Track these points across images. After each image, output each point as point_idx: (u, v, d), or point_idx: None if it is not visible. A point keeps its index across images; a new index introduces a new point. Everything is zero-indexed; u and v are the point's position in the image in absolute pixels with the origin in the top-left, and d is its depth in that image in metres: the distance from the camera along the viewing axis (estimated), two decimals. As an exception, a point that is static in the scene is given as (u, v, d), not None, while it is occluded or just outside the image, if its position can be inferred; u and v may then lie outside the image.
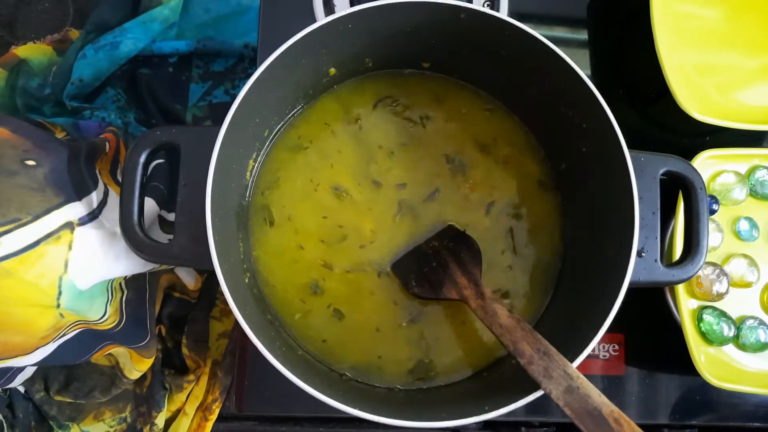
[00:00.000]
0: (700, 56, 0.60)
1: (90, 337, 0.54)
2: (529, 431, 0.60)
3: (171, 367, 0.68)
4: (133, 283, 0.60)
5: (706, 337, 0.54)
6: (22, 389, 0.64)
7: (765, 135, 0.63)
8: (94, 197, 0.52)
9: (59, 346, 0.52)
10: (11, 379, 0.57)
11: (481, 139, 0.54)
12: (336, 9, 0.62)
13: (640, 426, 0.38)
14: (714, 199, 0.56)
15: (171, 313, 0.68)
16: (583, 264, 0.50)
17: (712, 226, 0.56)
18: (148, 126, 0.74)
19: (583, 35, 0.65)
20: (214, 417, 0.66)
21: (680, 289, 0.54)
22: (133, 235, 0.45)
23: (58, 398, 0.63)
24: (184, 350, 0.67)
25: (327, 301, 0.51)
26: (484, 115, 0.55)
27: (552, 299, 0.52)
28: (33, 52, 0.78)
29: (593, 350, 0.53)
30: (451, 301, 0.49)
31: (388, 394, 0.49)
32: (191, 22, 0.78)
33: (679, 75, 0.56)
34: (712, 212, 0.56)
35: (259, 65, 0.44)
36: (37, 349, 0.50)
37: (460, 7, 0.45)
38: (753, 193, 0.57)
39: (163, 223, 0.60)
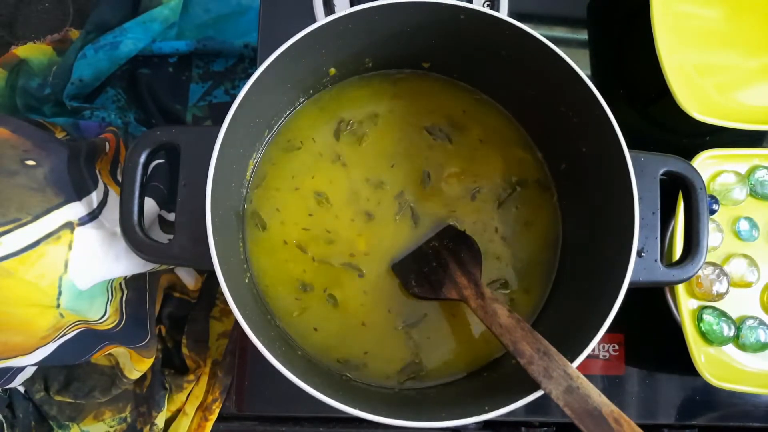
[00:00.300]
0: (700, 56, 0.60)
1: (90, 337, 0.54)
2: (529, 431, 0.60)
3: (171, 367, 0.68)
4: (133, 283, 0.60)
5: (706, 337, 0.54)
6: (22, 389, 0.64)
7: (765, 135, 0.63)
8: (94, 197, 0.52)
9: (59, 346, 0.52)
10: (11, 379, 0.57)
11: (481, 140, 0.54)
12: (336, 9, 0.62)
13: (640, 426, 0.38)
14: (714, 199, 0.56)
15: (171, 313, 0.68)
16: (583, 264, 0.50)
17: (712, 226, 0.56)
18: (148, 126, 0.74)
19: (583, 35, 0.65)
20: (214, 417, 0.66)
21: (680, 289, 0.54)
22: (133, 235, 0.45)
23: (58, 398, 0.63)
24: (184, 350, 0.67)
25: (322, 300, 0.51)
26: (484, 115, 0.55)
27: (552, 299, 0.52)
28: (33, 52, 0.77)
29: (593, 350, 0.53)
30: (451, 301, 0.50)
31: (388, 394, 0.49)
32: (191, 22, 0.78)
33: (679, 75, 0.56)
34: (712, 212, 0.56)
35: (259, 65, 0.44)
36: (37, 349, 0.50)
37: (460, 7, 0.45)
38: (753, 193, 0.57)
39: (163, 223, 0.60)
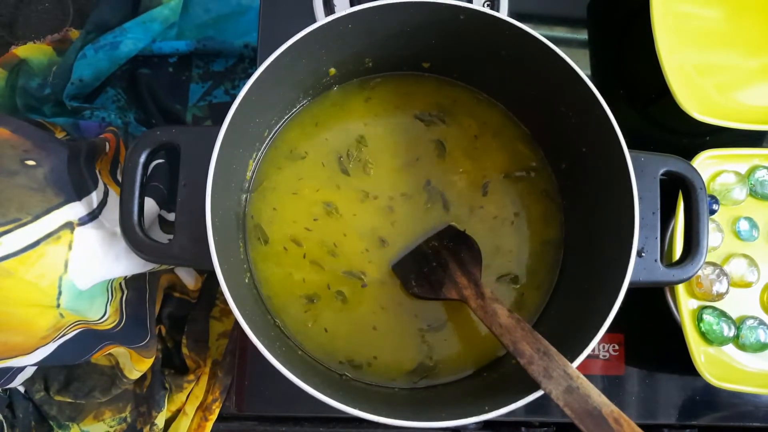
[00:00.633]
0: (700, 56, 0.60)
1: (90, 337, 0.54)
2: (529, 431, 0.60)
3: (171, 367, 0.68)
4: (133, 283, 0.60)
5: (706, 337, 0.54)
6: (22, 389, 0.64)
7: (765, 135, 0.63)
8: (94, 197, 0.52)
9: (59, 346, 0.52)
10: (11, 379, 0.57)
11: (481, 139, 0.54)
12: (336, 9, 0.62)
13: (640, 426, 0.38)
14: (714, 199, 0.56)
15: (171, 313, 0.68)
16: (583, 264, 0.50)
17: (712, 226, 0.56)
18: (148, 126, 0.73)
19: (583, 35, 0.65)
20: (214, 417, 0.66)
21: (680, 289, 0.54)
22: (133, 235, 0.45)
23: (58, 398, 0.63)
24: (184, 350, 0.67)
25: (326, 301, 0.51)
26: (483, 115, 0.55)
27: (552, 299, 0.52)
28: (33, 52, 0.77)
29: (593, 350, 0.53)
30: (451, 301, 0.50)
31: (388, 394, 0.49)
32: (191, 22, 0.78)
33: (679, 75, 0.57)
34: (712, 212, 0.56)
35: (259, 65, 0.44)
36: (37, 349, 0.50)
37: (460, 7, 0.45)
38: (753, 193, 0.57)
39: (163, 223, 0.60)
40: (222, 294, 0.48)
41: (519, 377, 0.43)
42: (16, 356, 0.50)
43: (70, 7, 0.87)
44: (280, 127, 0.54)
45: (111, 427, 0.65)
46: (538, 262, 0.53)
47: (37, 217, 0.46)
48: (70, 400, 0.63)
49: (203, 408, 0.66)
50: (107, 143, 0.61)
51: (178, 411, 0.67)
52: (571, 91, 0.46)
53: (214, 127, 0.44)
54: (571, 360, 0.41)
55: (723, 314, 0.54)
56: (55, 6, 0.87)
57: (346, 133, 0.54)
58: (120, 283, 0.58)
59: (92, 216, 0.51)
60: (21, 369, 0.57)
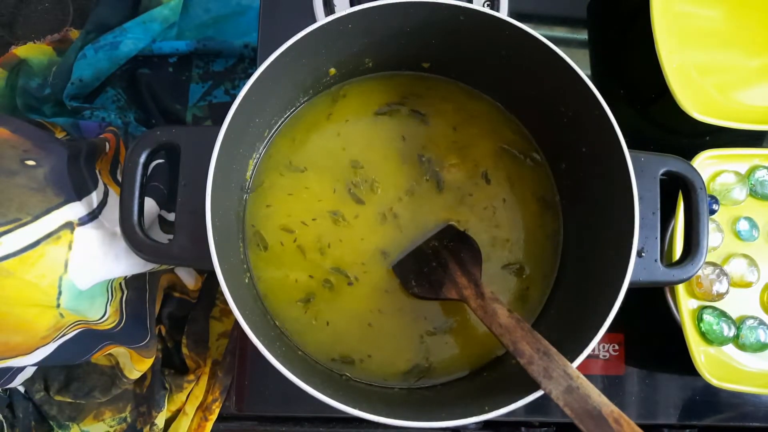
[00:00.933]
0: (700, 56, 0.60)
1: (90, 337, 0.54)
2: (529, 431, 0.60)
3: (171, 367, 0.68)
4: (133, 283, 0.60)
5: (706, 337, 0.54)
6: (22, 389, 0.64)
7: (765, 135, 0.63)
8: (94, 197, 0.52)
9: (59, 346, 0.52)
10: (11, 379, 0.57)
11: (481, 139, 0.54)
12: (336, 9, 0.62)
13: (640, 426, 0.38)
14: (714, 199, 0.56)
15: (171, 313, 0.68)
16: (583, 264, 0.50)
17: (712, 226, 0.56)
18: (148, 126, 0.73)
19: (583, 35, 0.65)
20: (214, 417, 0.66)
21: (680, 289, 0.54)
22: (133, 235, 0.45)
23: (58, 398, 0.63)
24: (184, 350, 0.67)
25: (326, 301, 0.51)
26: (483, 115, 0.55)
27: (552, 299, 0.52)
28: (33, 52, 0.77)
29: (593, 350, 0.53)
30: (450, 301, 0.50)
31: (388, 394, 0.49)
32: (191, 22, 0.78)
33: (679, 75, 0.57)
34: (712, 212, 0.56)
35: (259, 65, 0.44)
36: (37, 349, 0.50)
37: (460, 7, 0.45)
38: (753, 193, 0.57)
39: (163, 223, 0.60)
40: (222, 294, 0.48)
41: (519, 377, 0.43)
42: (16, 356, 0.50)
43: (70, 7, 0.87)
44: (280, 126, 0.54)
45: (111, 427, 0.65)
46: (541, 250, 0.53)
47: (37, 217, 0.46)
48: (70, 400, 0.63)
49: (203, 408, 0.66)
50: (107, 143, 0.61)
51: (178, 411, 0.67)
52: (570, 91, 0.46)
53: (214, 127, 0.44)
54: (571, 360, 0.41)
55: (723, 314, 0.54)
56: (55, 6, 0.87)
57: (345, 132, 0.54)
58: (120, 283, 0.58)
59: (92, 216, 0.51)
60: (21, 369, 0.57)
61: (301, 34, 0.44)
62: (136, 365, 0.61)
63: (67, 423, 0.64)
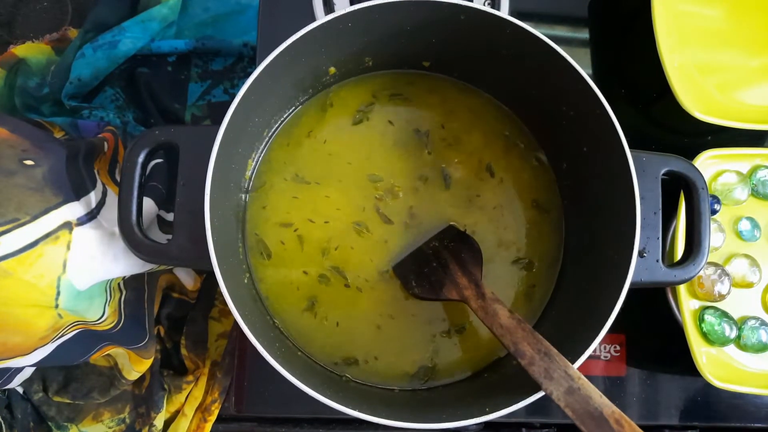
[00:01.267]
0: (701, 55, 0.59)
1: (88, 338, 0.54)
2: (530, 432, 0.60)
3: (170, 368, 0.68)
4: (132, 283, 0.60)
5: (708, 338, 0.54)
6: (20, 390, 0.64)
7: (767, 134, 0.63)
8: (93, 197, 0.52)
9: (58, 347, 0.52)
10: (10, 380, 0.57)
11: (480, 139, 0.54)
12: (336, 8, 0.62)
13: (642, 427, 0.38)
14: (715, 199, 0.56)
15: (170, 313, 0.68)
16: (585, 264, 0.50)
17: (713, 226, 0.55)
18: (146, 125, 0.73)
19: (585, 34, 0.65)
20: (213, 418, 0.66)
21: (682, 289, 0.54)
22: (132, 236, 0.45)
23: (57, 399, 0.63)
24: (183, 351, 0.67)
25: (326, 300, 0.50)
26: (483, 114, 0.55)
27: (553, 299, 0.52)
28: (31, 51, 0.77)
29: (594, 351, 0.53)
30: (451, 301, 0.49)
31: (388, 395, 0.49)
32: (190, 21, 0.77)
33: (681, 74, 0.56)
34: (714, 212, 0.56)
35: (259, 64, 0.44)
36: (36, 349, 0.50)
37: (460, 6, 0.45)
38: (755, 193, 0.57)
39: (161, 223, 0.60)
40: (221, 294, 0.48)
41: (520, 378, 0.43)
42: (14, 357, 0.50)
43: (68, 6, 0.86)
44: (279, 126, 0.53)
45: (110, 428, 0.65)
46: (545, 246, 0.53)
47: (35, 217, 0.46)
48: (68, 401, 0.63)
49: (202, 409, 0.66)
50: (106, 143, 0.60)
51: (177, 412, 0.66)
52: (572, 91, 0.46)
53: (213, 127, 0.44)
54: (572, 361, 0.41)
55: (724, 315, 0.54)
56: (54, 5, 0.87)
57: (344, 132, 0.54)
58: (118, 284, 0.58)
59: (91, 216, 0.51)
60: (19, 370, 0.57)
61: (301, 33, 0.44)
62: (134, 366, 0.61)
63: (66, 424, 0.64)
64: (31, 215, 0.46)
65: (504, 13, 0.51)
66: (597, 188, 0.49)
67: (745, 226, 0.56)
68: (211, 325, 0.69)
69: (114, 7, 0.76)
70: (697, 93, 0.57)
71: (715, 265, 0.55)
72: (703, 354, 0.53)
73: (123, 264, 0.52)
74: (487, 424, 0.56)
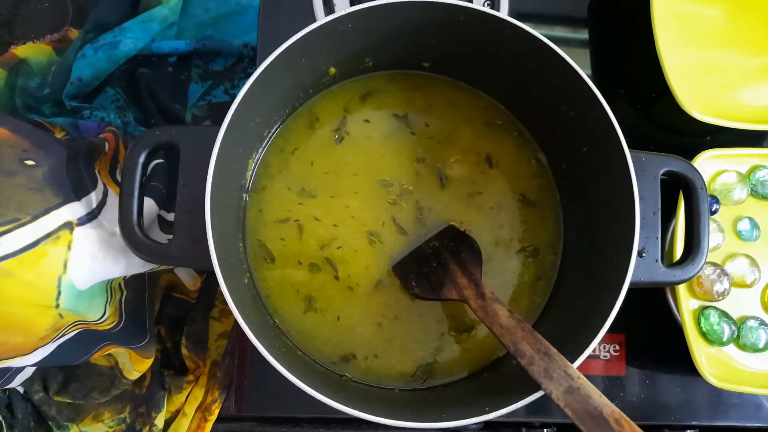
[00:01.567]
0: (700, 56, 0.59)
1: (89, 338, 0.54)
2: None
3: (170, 368, 0.68)
4: (133, 283, 0.60)
5: (707, 338, 0.54)
6: (21, 390, 0.64)
7: (766, 135, 0.63)
8: (93, 197, 0.52)
9: (58, 347, 0.52)
10: (10, 380, 0.57)
11: (480, 139, 0.54)
12: (336, 8, 0.62)
13: (641, 426, 0.38)
14: (715, 199, 0.56)
15: (170, 313, 0.68)
16: (584, 264, 0.50)
17: (712, 226, 0.55)
18: (147, 126, 0.73)
19: (584, 35, 0.65)
20: (213, 417, 0.66)
21: (681, 289, 0.54)
22: (133, 236, 0.45)
23: (57, 399, 0.63)
24: (184, 351, 0.67)
25: (327, 300, 0.51)
26: (483, 114, 0.55)
27: (553, 299, 0.52)
28: (32, 51, 0.77)
29: (594, 351, 0.53)
30: (451, 301, 0.49)
31: (388, 395, 0.49)
32: (191, 21, 0.77)
33: (680, 74, 0.56)
34: (713, 212, 0.56)
35: (259, 65, 0.44)
36: (37, 349, 0.50)
37: (460, 7, 0.45)
38: (754, 192, 0.57)
39: (162, 223, 0.60)
40: (221, 294, 0.48)
41: (519, 378, 0.43)
42: (15, 356, 0.50)
43: (69, 7, 0.86)
44: (279, 126, 0.53)
45: (110, 427, 0.65)
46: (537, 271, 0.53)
47: (36, 217, 0.46)
48: (69, 401, 0.63)
49: (202, 409, 0.66)
50: (106, 143, 0.60)
51: (178, 412, 0.66)
52: (571, 91, 0.46)
53: (214, 127, 0.44)
54: (572, 360, 0.41)
55: (724, 314, 0.54)
56: (55, 5, 0.87)
57: (343, 131, 0.54)
58: (119, 284, 0.58)
59: (91, 216, 0.51)
60: (20, 369, 0.57)
61: (301, 34, 0.44)
62: (135, 366, 0.61)
63: (66, 423, 0.64)
64: (32, 215, 0.46)
65: (503, 13, 0.51)
66: (597, 188, 0.49)
67: (744, 225, 0.56)
68: (211, 325, 0.69)
69: (115, 7, 0.76)
70: (696, 93, 0.57)
71: (715, 264, 0.55)
72: (702, 354, 0.53)
73: (123, 264, 0.52)
74: (487, 423, 0.56)
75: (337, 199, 0.52)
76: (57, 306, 0.48)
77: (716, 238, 0.56)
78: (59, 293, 0.48)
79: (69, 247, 0.48)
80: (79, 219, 0.49)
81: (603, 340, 0.57)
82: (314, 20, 0.45)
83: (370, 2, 0.45)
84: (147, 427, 0.65)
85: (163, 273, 0.66)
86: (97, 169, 0.56)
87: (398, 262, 0.51)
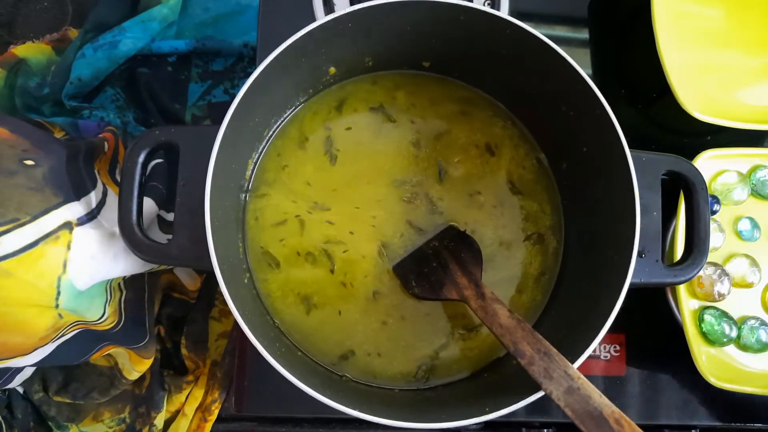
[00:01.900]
0: (701, 55, 0.59)
1: (89, 338, 0.54)
2: (530, 432, 0.60)
3: (170, 368, 0.68)
4: (132, 283, 0.60)
5: (708, 338, 0.54)
6: (20, 390, 0.64)
7: (766, 135, 0.63)
8: (93, 197, 0.52)
9: (58, 347, 0.52)
10: (10, 380, 0.57)
11: (480, 139, 0.54)
12: (336, 8, 0.62)
13: (641, 427, 0.38)
14: (715, 199, 0.56)
15: (170, 313, 0.68)
16: (584, 264, 0.50)
17: (713, 226, 0.55)
18: (147, 125, 0.73)
19: (584, 34, 0.65)
20: (213, 418, 0.66)
21: (681, 289, 0.54)
22: (132, 236, 0.45)
23: (57, 399, 0.63)
24: (183, 351, 0.67)
25: (327, 299, 0.51)
26: (484, 114, 0.55)
27: (553, 299, 0.52)
28: (32, 51, 0.77)
29: (594, 351, 0.53)
30: (451, 301, 0.49)
31: (388, 395, 0.49)
32: (190, 21, 0.77)
33: (680, 74, 0.56)
34: (714, 212, 0.56)
35: (259, 64, 0.44)
36: (36, 349, 0.50)
37: (460, 6, 0.45)
38: (754, 192, 0.57)
39: (162, 223, 0.60)
40: (221, 294, 0.48)
41: (519, 378, 0.43)
42: (15, 357, 0.50)
43: (69, 7, 0.86)
44: (279, 126, 0.53)
45: (110, 427, 0.65)
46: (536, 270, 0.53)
47: (35, 217, 0.46)
48: (69, 401, 0.63)
49: (202, 409, 0.66)
50: (106, 143, 0.60)
51: (177, 412, 0.66)
52: (571, 91, 0.46)
53: (213, 127, 0.44)
54: (572, 361, 0.41)
55: (724, 315, 0.54)
56: (54, 5, 0.87)
57: (343, 131, 0.54)
58: (119, 284, 0.58)
59: (91, 216, 0.51)
60: (20, 369, 0.57)
61: (301, 33, 0.44)
62: (135, 366, 0.61)
63: (66, 424, 0.64)
64: (32, 215, 0.46)
65: (504, 13, 0.51)
66: (597, 188, 0.49)
67: (744, 225, 0.56)
68: (211, 325, 0.69)
69: (114, 7, 0.75)
70: (696, 93, 0.57)
71: (715, 265, 0.55)
72: (702, 354, 0.53)
73: (123, 264, 0.52)
74: (487, 423, 0.56)
75: (360, 210, 0.52)
76: (57, 306, 0.48)
77: (717, 238, 0.56)
78: (59, 293, 0.48)
79: (68, 247, 0.48)
80: (78, 219, 0.49)
81: (603, 341, 0.57)
82: (314, 20, 0.45)
83: (370, 2, 0.45)
84: (147, 427, 0.65)
85: (163, 273, 0.66)
86: (97, 168, 0.56)
87: (398, 263, 0.51)
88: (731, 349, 0.54)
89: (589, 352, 0.41)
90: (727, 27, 0.61)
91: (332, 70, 0.52)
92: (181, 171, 0.45)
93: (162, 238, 0.58)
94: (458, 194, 0.53)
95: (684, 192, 0.48)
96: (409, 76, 0.55)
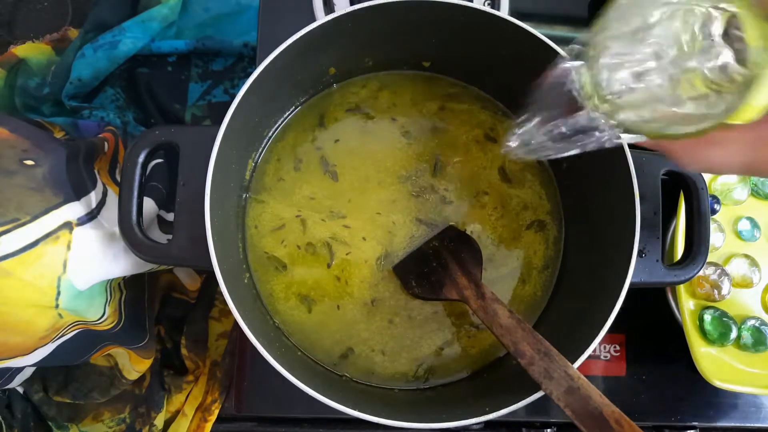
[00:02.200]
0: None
1: (89, 338, 0.54)
2: (530, 432, 0.60)
3: (170, 368, 0.68)
4: (132, 283, 0.60)
5: (707, 338, 0.54)
6: (20, 390, 0.64)
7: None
8: (93, 197, 0.52)
9: (58, 347, 0.52)
10: (10, 380, 0.57)
11: (480, 139, 0.54)
12: (336, 8, 0.62)
13: (641, 427, 0.38)
14: (715, 199, 0.56)
15: (170, 313, 0.68)
16: (584, 264, 0.50)
17: (713, 226, 0.55)
18: (147, 125, 0.73)
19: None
20: (213, 418, 0.66)
21: (681, 289, 0.54)
22: (132, 236, 0.45)
23: (57, 399, 0.63)
24: (183, 351, 0.67)
25: (327, 299, 0.50)
26: (483, 114, 0.55)
27: (553, 299, 0.52)
28: (32, 51, 0.77)
29: (594, 351, 0.53)
30: (451, 301, 0.49)
31: (388, 395, 0.49)
32: (190, 21, 0.77)
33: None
34: (714, 212, 0.56)
35: (259, 64, 0.44)
36: (36, 349, 0.50)
37: (460, 6, 0.45)
38: (754, 192, 0.57)
39: (162, 223, 0.60)
40: (221, 294, 0.48)
41: (519, 378, 0.43)
42: (14, 357, 0.50)
43: (69, 7, 0.86)
44: (279, 126, 0.53)
45: (110, 427, 0.65)
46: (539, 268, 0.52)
47: (35, 217, 0.46)
48: (69, 401, 0.63)
49: (202, 409, 0.66)
50: (106, 143, 0.60)
51: (177, 412, 0.66)
52: (572, 91, 0.46)
53: (214, 127, 0.44)
54: (572, 361, 0.41)
55: (724, 315, 0.54)
56: (54, 5, 0.87)
57: (343, 131, 0.54)
58: (119, 284, 0.58)
59: (91, 216, 0.51)
60: (20, 369, 0.57)
61: (301, 33, 0.44)
62: (135, 366, 0.61)
63: (66, 424, 0.64)
64: (32, 215, 0.46)
65: (504, 13, 0.51)
66: (597, 188, 0.49)
67: (744, 226, 0.56)
68: (211, 325, 0.69)
69: (114, 7, 0.75)
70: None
71: (715, 265, 0.55)
72: (702, 354, 0.53)
73: (123, 264, 0.52)
74: (487, 423, 0.56)
75: (382, 216, 0.52)
76: (56, 306, 0.48)
77: (717, 238, 0.56)
78: (59, 293, 0.48)
79: (68, 247, 0.48)
80: (78, 219, 0.49)
81: (603, 341, 0.57)
82: (314, 20, 0.45)
83: (370, 2, 0.45)
84: (147, 427, 0.65)
85: (163, 273, 0.66)
86: (97, 168, 0.56)
87: (398, 263, 0.51)
88: (731, 349, 0.54)
89: (589, 352, 0.41)
90: (727, 27, 0.61)
91: (332, 70, 0.52)
92: (181, 171, 0.45)
93: (162, 238, 0.58)
94: (462, 186, 0.53)
95: (684, 192, 0.48)
96: (408, 76, 0.55)
